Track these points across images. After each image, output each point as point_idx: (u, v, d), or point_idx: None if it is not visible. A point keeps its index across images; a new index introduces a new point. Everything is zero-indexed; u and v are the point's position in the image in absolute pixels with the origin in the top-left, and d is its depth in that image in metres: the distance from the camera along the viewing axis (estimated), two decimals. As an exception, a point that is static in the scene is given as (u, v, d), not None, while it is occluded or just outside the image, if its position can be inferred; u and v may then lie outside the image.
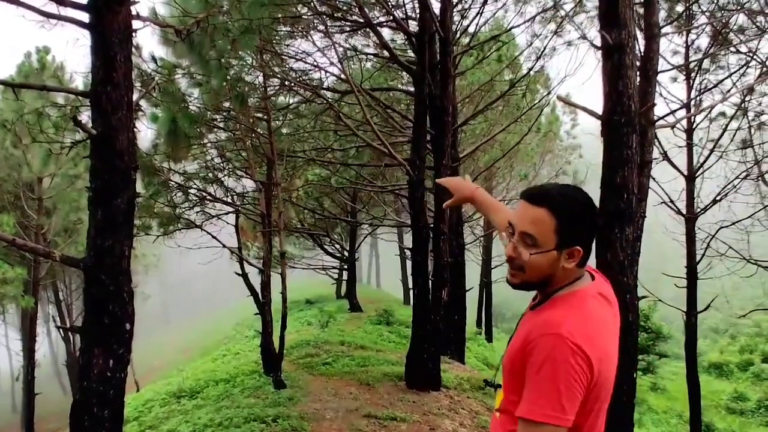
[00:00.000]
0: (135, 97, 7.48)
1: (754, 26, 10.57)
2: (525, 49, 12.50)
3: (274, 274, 9.81)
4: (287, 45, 10.31)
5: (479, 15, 11.17)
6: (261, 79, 9.47)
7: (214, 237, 10.62)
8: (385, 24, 10.39)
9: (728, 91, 10.91)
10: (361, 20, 9.17)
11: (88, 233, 4.39)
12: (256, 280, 10.05)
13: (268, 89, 9.73)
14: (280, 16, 8.93)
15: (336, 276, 25.79)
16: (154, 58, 7.95)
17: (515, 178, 17.49)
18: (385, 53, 10.18)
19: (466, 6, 11.57)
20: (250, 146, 9.94)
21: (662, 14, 9.94)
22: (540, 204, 1.66)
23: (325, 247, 21.16)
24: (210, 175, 11.17)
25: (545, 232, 1.65)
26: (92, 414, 4.31)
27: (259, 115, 10.06)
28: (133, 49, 8.03)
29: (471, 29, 11.80)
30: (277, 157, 9.54)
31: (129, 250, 4.50)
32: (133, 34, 4.49)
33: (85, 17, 4.38)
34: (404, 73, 12.12)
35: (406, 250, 23.00)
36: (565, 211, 1.66)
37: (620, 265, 4.89)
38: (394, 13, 9.59)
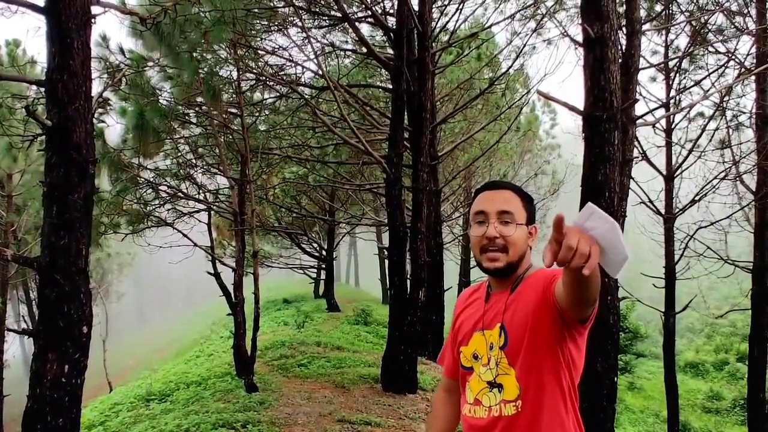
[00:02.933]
0: (100, 89, 7.26)
1: (732, 26, 10.56)
2: (504, 47, 12.41)
3: (249, 273, 9.58)
4: (263, 39, 10.07)
5: (458, 12, 11.03)
6: (235, 73, 9.22)
7: (185, 235, 10.35)
8: (363, 20, 10.21)
9: (707, 91, 10.88)
10: (339, 15, 8.96)
11: (42, 230, 4.14)
12: (231, 279, 9.81)
13: (243, 84, 9.49)
14: (255, 9, 8.71)
15: (314, 275, 25.52)
16: (122, 50, 7.67)
17: (494, 177, 17.35)
18: (363, 49, 9.99)
19: (446, 2, 11.42)
20: (223, 142, 9.69)
21: (642, 13, 9.87)
22: (503, 187, 1.92)
23: (303, 246, 20.91)
24: (182, 171, 10.89)
25: (518, 208, 1.86)
26: (46, 423, 4.06)
27: (233, 110, 9.81)
28: (100, 40, 7.81)
29: (450, 26, 11.66)
30: (251, 154, 9.30)
31: (86, 249, 4.25)
32: (93, 20, 4.23)
33: (42, 2, 4.14)
34: (383, 70, 11.94)
35: (384, 250, 22.83)
36: (522, 191, 1.93)
37: (600, 266, 4.73)
38: (373, 8, 9.39)
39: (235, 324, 9.44)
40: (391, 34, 9.06)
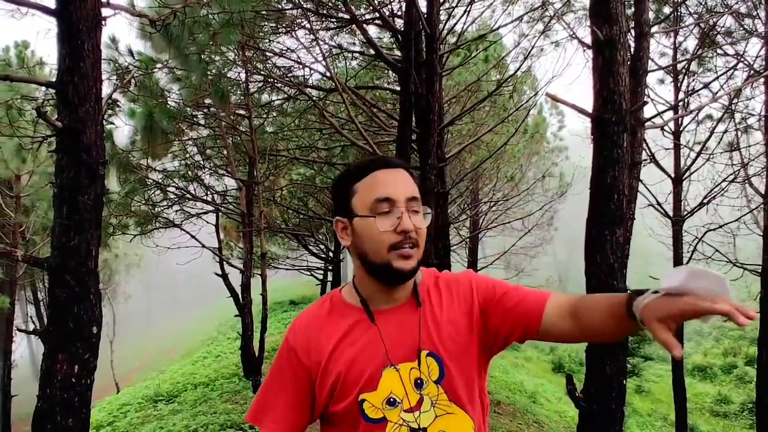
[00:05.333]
0: (109, 90, 7.30)
1: (741, 29, 10.52)
2: (512, 50, 12.37)
3: (256, 275, 9.60)
4: (271, 41, 10.10)
5: (466, 14, 11.01)
6: (243, 75, 9.25)
7: (193, 236, 10.38)
8: (371, 21, 10.21)
9: (715, 93, 10.84)
10: (347, 17, 8.98)
11: (52, 231, 4.16)
12: (238, 280, 9.83)
13: (251, 86, 9.52)
14: (263, 11, 8.74)
15: (321, 277, 25.54)
16: (131, 52, 7.71)
17: (501, 179, 17.33)
18: (371, 51, 10.00)
19: (453, 4, 11.41)
20: (231, 144, 9.72)
21: (651, 15, 9.85)
22: (399, 166, 1.52)
23: (310, 247, 20.93)
24: (190, 173, 10.93)
25: (419, 193, 1.52)
26: (56, 423, 4.08)
27: (241, 112, 9.84)
28: (110, 42, 7.85)
29: (458, 28, 11.63)
30: (259, 156, 9.33)
31: (96, 250, 4.27)
32: (103, 22, 4.26)
33: (53, 4, 4.17)
34: (390, 71, 11.94)
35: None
36: (412, 171, 1.57)
37: (610, 268, 4.72)
38: (381, 10, 9.39)
39: (242, 325, 9.47)
40: (399, 36, 9.06)
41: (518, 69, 11.94)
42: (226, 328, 25.03)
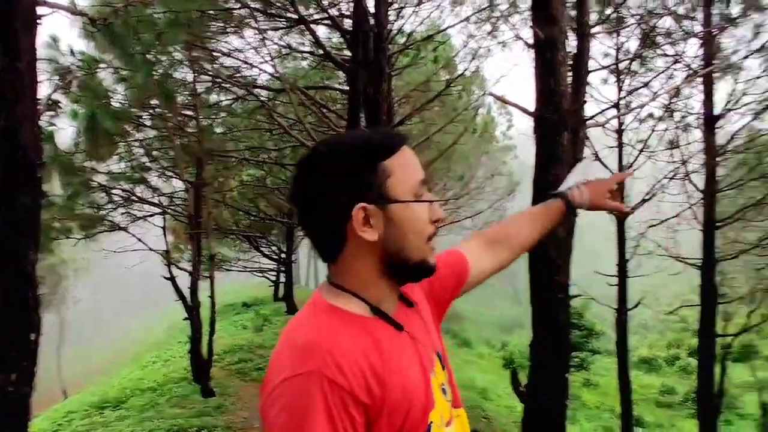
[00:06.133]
0: (49, 90, 7.12)
1: (680, 30, 10.83)
2: (461, 50, 12.50)
3: (206, 277, 9.49)
4: (218, 41, 9.98)
5: (415, 14, 11.10)
6: (190, 75, 9.13)
7: (139, 240, 10.20)
8: (319, 21, 10.19)
9: (656, 92, 11.16)
10: (295, 17, 8.94)
11: (-13, 235, 4.03)
12: (188, 283, 9.69)
13: (198, 86, 9.40)
14: (210, 11, 8.63)
15: (273, 278, 25.36)
16: (72, 51, 7.53)
17: (452, 178, 17.50)
18: (321, 51, 9.98)
19: (402, 5, 11.47)
20: (179, 145, 9.58)
21: (593, 16, 10.07)
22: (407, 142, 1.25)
23: (262, 248, 20.77)
24: (136, 175, 10.72)
25: None
26: (-8, 433, 3.97)
27: (189, 112, 9.71)
28: (51, 41, 7.65)
29: (407, 28, 11.71)
30: (207, 157, 9.22)
31: (35, 254, 4.16)
32: (38, 20, 4.15)
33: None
34: (340, 71, 11.94)
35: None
36: None
37: (552, 264, 4.82)
38: (329, 11, 9.39)
39: (191, 329, 9.35)
40: (347, 36, 9.07)
41: (466, 69, 12.08)
42: (176, 331, 24.68)
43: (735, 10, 10.38)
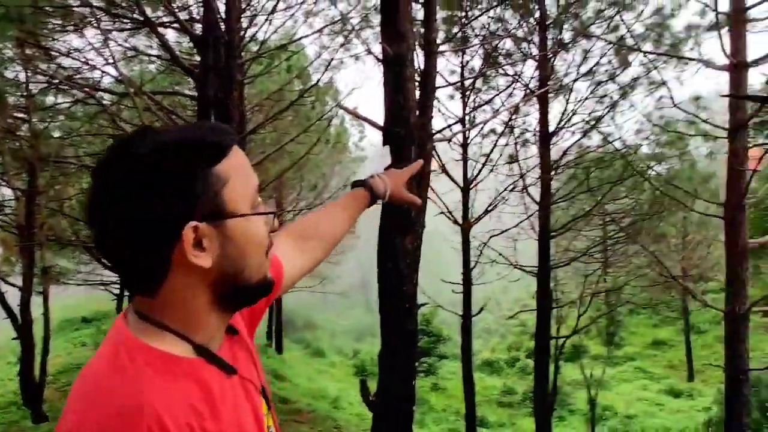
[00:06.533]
0: None
1: (519, 51, 11.59)
2: (314, 60, 12.57)
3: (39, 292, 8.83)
4: (56, 39, 9.37)
5: (268, 22, 11.02)
6: (23, 75, 8.50)
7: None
8: (168, 25, 9.85)
9: (497, 109, 11.86)
10: (141, 19, 8.58)
11: None
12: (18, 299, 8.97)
13: (32, 87, 8.77)
14: (46, 6, 8.08)
15: (117, 291, 24.01)
16: None
17: (305, 188, 17.54)
18: (168, 55, 9.64)
19: (255, 12, 11.36)
20: (8, 150, 8.87)
21: (441, 35, 10.53)
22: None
23: (103, 260, 19.63)
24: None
25: None
26: None
27: (21, 114, 9.02)
28: None
29: (260, 36, 11.61)
30: (41, 163, 8.60)
31: None
32: None
33: None
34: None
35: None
36: None
37: (400, 274, 4.97)
38: (178, 14, 9.10)
39: (22, 348, 8.65)
40: (197, 42, 8.84)
41: (320, 80, 12.15)
42: (6, 351, 22.69)
43: (567, 35, 11.28)
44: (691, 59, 9.55)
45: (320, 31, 11.20)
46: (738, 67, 7.93)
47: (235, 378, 1.03)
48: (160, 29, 9.02)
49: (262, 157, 13.51)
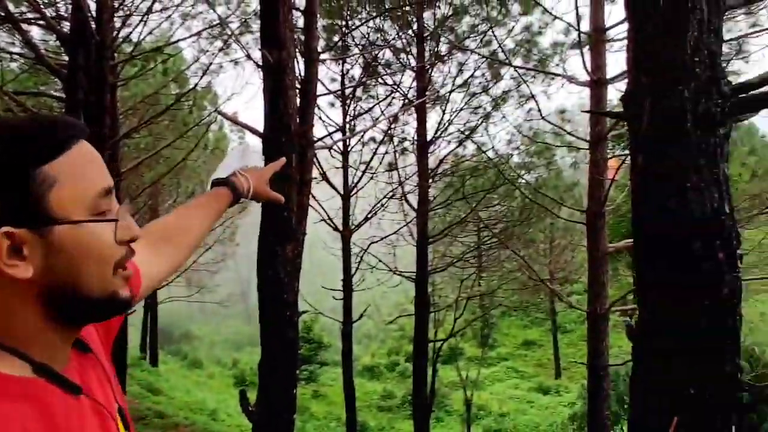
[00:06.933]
0: None
1: (398, 62, 11.88)
2: (191, 64, 12.29)
3: None
4: None
5: (143, 23, 10.65)
6: None
7: None
8: (33, 21, 9.32)
9: (377, 118, 12.09)
10: (3, 14, 8.08)
11: None
12: None
13: None
14: None
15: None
16: None
17: (182, 195, 17.07)
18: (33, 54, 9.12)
19: (129, 13, 10.96)
20: None
21: (321, 42, 10.62)
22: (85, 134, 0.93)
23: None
24: None
25: None
26: None
27: None
28: None
29: (134, 37, 11.20)
30: None
31: None
32: None
33: None
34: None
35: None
36: None
37: (280, 282, 4.98)
38: (44, 11, 8.64)
39: None
40: (65, 41, 8.43)
41: (197, 84, 11.90)
42: None
43: (443, 48, 11.70)
44: (556, 74, 10.13)
45: (198, 34, 10.96)
46: (598, 83, 8.51)
47: (84, 399, 0.92)
48: (24, 26, 8.52)
49: (137, 162, 13.04)
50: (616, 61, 8.66)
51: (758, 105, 2.36)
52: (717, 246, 2.09)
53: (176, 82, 13.52)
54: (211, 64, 11.01)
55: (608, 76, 8.53)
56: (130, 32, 10.96)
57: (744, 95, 2.24)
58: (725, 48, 8.57)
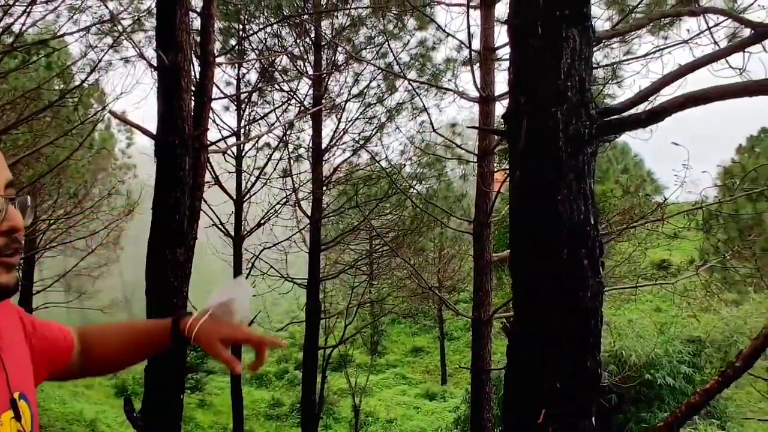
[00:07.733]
0: None
1: (295, 69, 11.92)
2: (78, 60, 11.81)
3: None
4: None
5: (27, 15, 10.15)
6: None
7: None
8: None
9: (272, 124, 12.08)
10: None
11: None
12: None
13: None
14: None
15: None
16: None
17: (63, 195, 16.26)
18: None
19: (10, 2, 10.41)
20: None
21: (218, 45, 10.49)
22: None
23: None
24: None
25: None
26: None
27: None
28: None
29: (16, 28, 10.63)
30: None
31: None
32: None
33: None
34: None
35: None
36: None
37: (170, 287, 4.92)
38: None
39: None
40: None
41: (84, 81, 11.44)
42: None
43: (340, 58, 11.85)
44: (448, 89, 10.48)
45: (87, 29, 10.54)
46: (487, 99, 8.86)
47: None
48: None
49: (15, 160, 12.36)
50: (504, 79, 9.04)
51: (621, 128, 2.65)
52: (582, 254, 2.32)
53: (60, 77, 12.91)
54: (100, 60, 10.63)
55: (496, 93, 8.88)
56: (12, 23, 10.41)
57: (608, 119, 2.50)
58: (601, 73, 9.27)
